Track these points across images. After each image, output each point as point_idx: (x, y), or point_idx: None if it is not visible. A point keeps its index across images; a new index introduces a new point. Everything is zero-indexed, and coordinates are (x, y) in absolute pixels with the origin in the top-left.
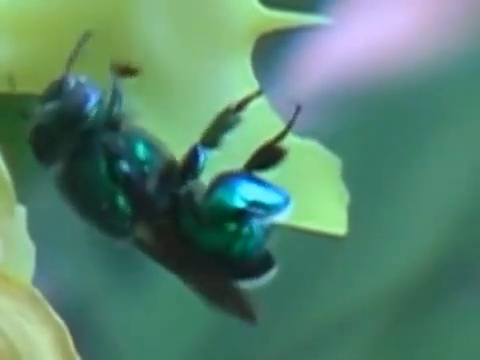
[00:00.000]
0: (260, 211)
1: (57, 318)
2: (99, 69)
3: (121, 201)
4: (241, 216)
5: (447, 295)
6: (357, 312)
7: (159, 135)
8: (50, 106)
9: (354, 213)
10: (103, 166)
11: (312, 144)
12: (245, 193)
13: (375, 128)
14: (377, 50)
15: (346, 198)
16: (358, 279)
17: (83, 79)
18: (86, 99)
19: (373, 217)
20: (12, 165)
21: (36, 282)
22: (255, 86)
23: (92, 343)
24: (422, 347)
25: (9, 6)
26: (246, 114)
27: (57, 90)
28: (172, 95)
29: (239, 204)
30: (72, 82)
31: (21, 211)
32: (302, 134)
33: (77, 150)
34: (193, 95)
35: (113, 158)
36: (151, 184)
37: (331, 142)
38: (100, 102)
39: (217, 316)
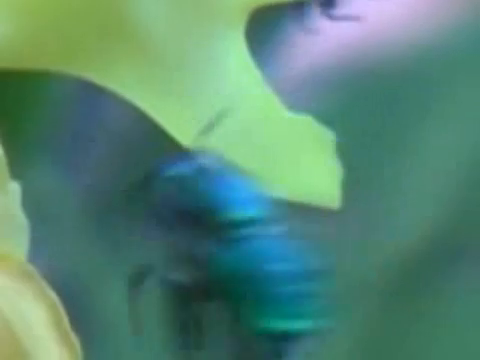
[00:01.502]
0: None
1: (52, 295)
2: (92, 51)
3: None
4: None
5: (443, 273)
6: (350, 289)
7: (153, 112)
8: (186, 197)
9: (349, 189)
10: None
11: (306, 118)
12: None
13: (371, 105)
14: (373, 26)
15: (340, 172)
16: (351, 256)
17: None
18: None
19: (368, 194)
20: (7, 141)
21: (31, 260)
22: (249, 62)
23: (87, 320)
24: (417, 325)
25: None
26: (241, 90)
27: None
28: (165, 72)
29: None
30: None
31: (16, 188)
32: (297, 110)
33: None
34: (186, 72)
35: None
36: None
37: (326, 118)
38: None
39: None
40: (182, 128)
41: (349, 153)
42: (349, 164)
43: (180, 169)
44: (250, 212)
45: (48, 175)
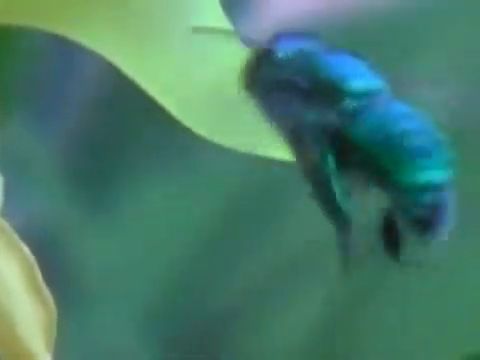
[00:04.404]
0: None
1: (25, 250)
2: (63, 6)
3: None
4: None
5: None
6: (318, 247)
7: (124, 65)
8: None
9: None
10: None
11: None
12: None
13: None
14: None
15: None
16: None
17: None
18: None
19: None
20: None
21: (5, 214)
22: (222, 15)
23: (60, 275)
24: (385, 285)
25: None
26: (212, 42)
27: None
28: (138, 24)
29: None
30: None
31: None
32: None
33: None
34: (159, 24)
35: None
36: None
37: None
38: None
39: (189, 246)
40: (153, 78)
41: None
42: None
43: (294, 48)
44: (370, 83)
45: (22, 127)
